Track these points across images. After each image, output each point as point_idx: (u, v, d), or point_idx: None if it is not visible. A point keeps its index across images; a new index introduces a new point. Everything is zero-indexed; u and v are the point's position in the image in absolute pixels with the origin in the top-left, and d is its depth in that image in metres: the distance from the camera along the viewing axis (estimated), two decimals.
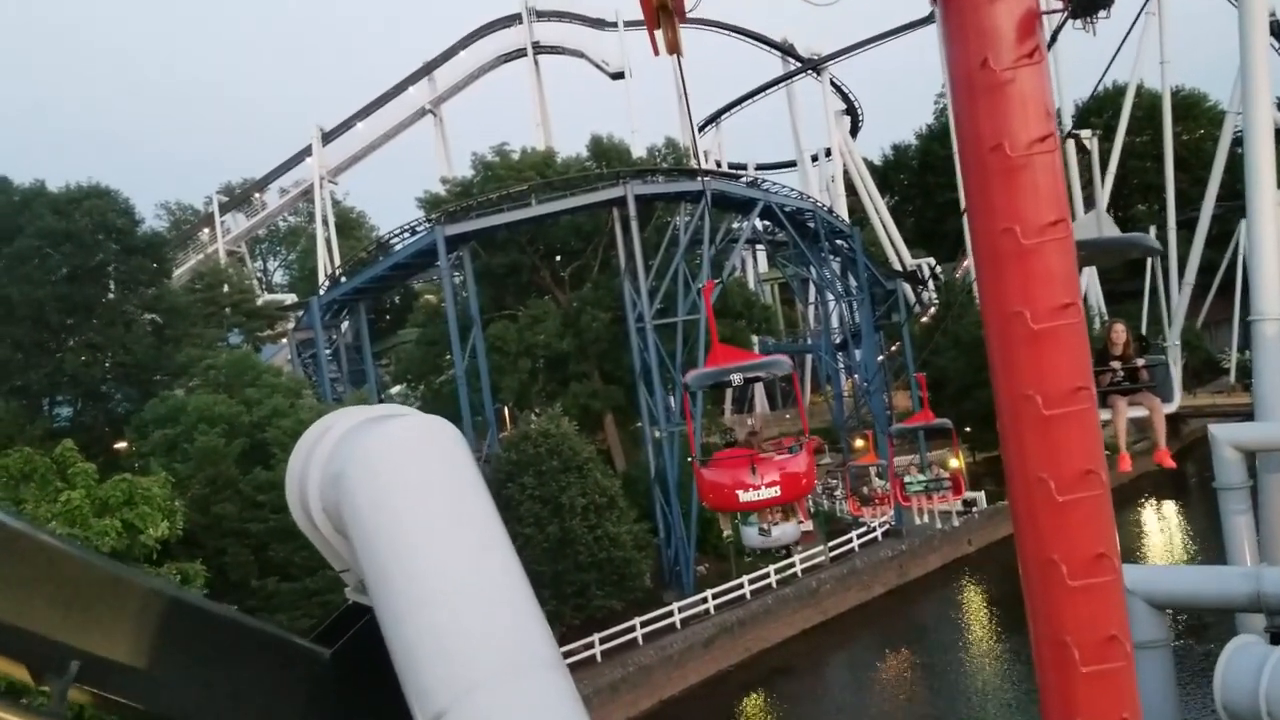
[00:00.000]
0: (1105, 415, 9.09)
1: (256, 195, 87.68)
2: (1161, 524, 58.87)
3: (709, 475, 13.10)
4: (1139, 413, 9.54)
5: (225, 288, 66.16)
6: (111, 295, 44.06)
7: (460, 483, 2.51)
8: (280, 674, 2.65)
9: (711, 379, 13.29)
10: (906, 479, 23.98)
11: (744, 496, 12.41)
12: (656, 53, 7.02)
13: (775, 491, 12.40)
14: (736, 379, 12.98)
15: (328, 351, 53.95)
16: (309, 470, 2.69)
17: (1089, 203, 75.54)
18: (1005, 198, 4.56)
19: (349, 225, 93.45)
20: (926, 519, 24.36)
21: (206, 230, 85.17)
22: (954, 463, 46.33)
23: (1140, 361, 9.66)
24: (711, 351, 13.96)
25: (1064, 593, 4.64)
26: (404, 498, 2.44)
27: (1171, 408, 9.99)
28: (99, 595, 2.21)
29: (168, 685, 2.35)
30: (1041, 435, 4.60)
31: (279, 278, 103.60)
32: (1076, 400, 4.53)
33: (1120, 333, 9.79)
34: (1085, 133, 77.65)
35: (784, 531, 14.96)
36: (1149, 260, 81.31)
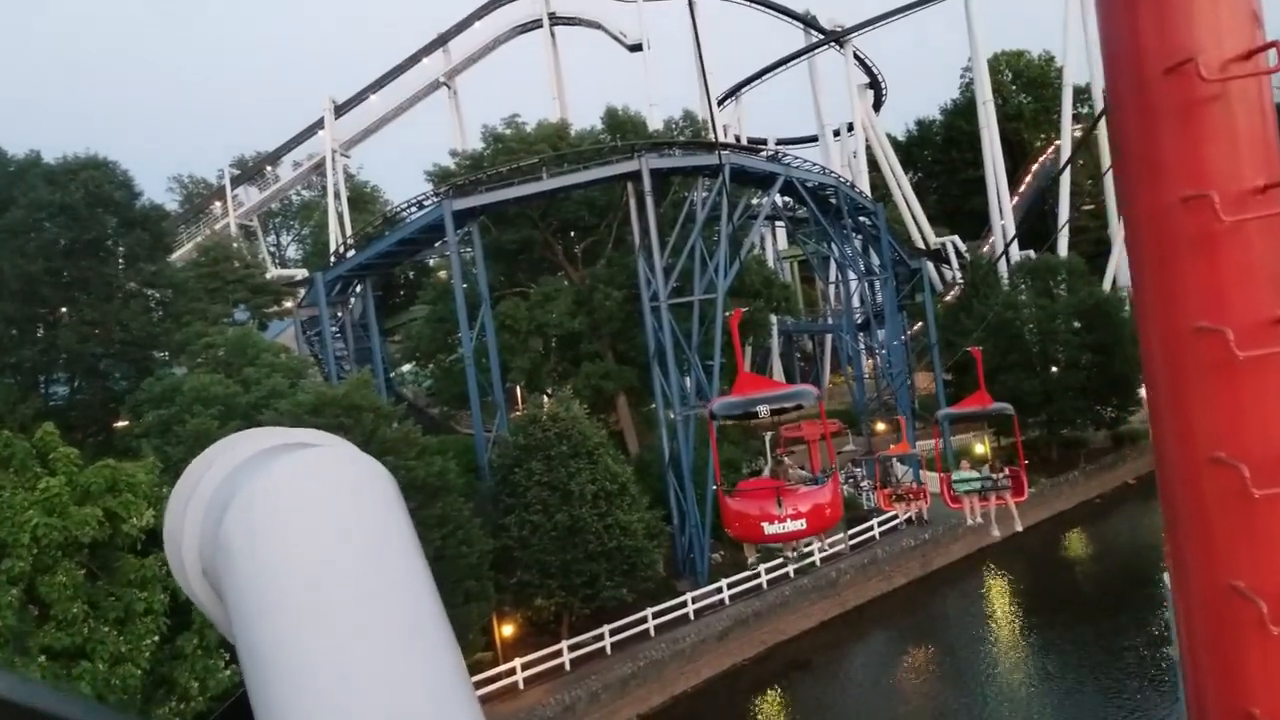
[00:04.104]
0: None
1: (269, 168, 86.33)
2: None
3: (735, 505, 13.15)
4: None
5: (235, 263, 64.73)
6: (109, 269, 42.63)
7: (380, 544, 1.53)
8: None
9: (739, 408, 13.38)
10: (956, 476, 20.44)
11: (769, 529, 12.41)
12: None
13: (801, 524, 12.39)
14: (763, 410, 13.01)
15: (334, 329, 52.60)
16: (186, 517, 1.75)
17: None
18: (1187, 148, 2.87)
19: (363, 199, 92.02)
20: (980, 519, 20.65)
21: (218, 204, 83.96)
22: (980, 448, 44.62)
23: None
24: (738, 379, 14.08)
25: None
26: (297, 564, 1.51)
27: None
28: None
29: None
30: (1243, 525, 2.91)
31: (292, 252, 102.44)
32: None
33: None
34: None
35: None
36: None
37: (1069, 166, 77.71)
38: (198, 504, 1.74)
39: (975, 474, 20.22)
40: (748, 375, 14.34)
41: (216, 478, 1.75)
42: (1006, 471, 20.18)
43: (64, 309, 42.25)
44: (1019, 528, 20.80)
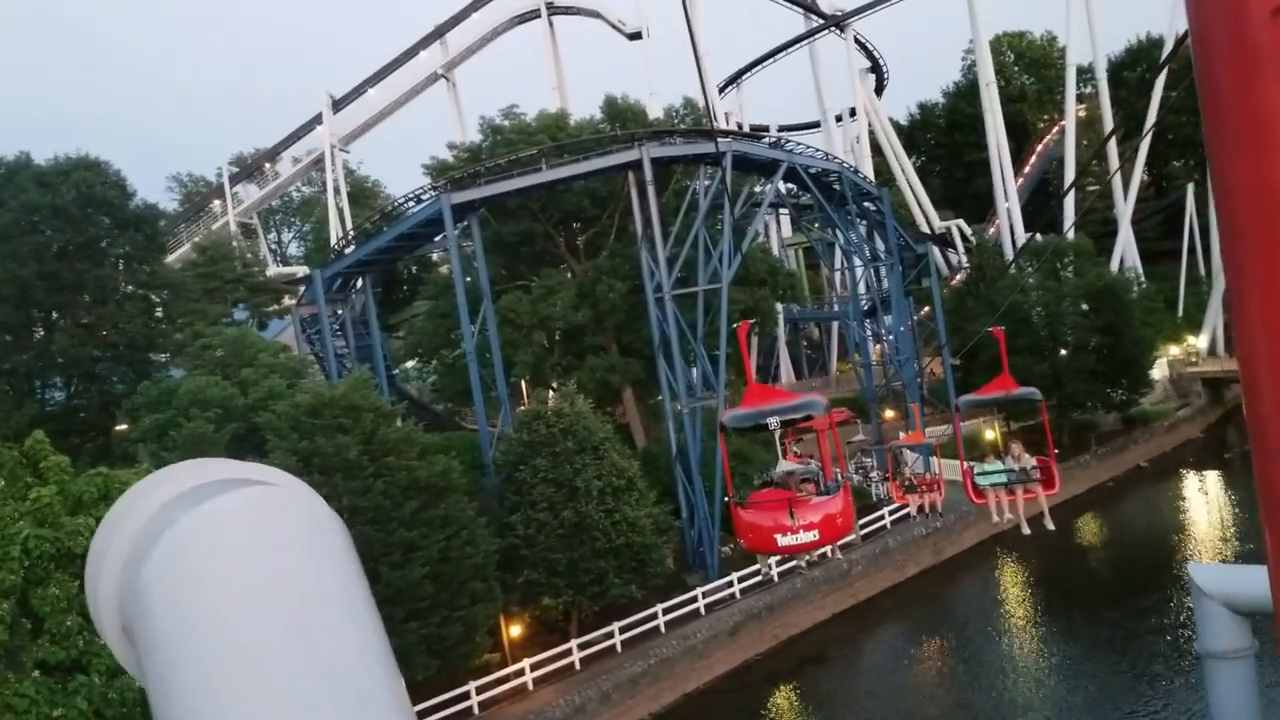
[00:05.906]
0: None
1: (268, 165, 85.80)
2: (1205, 499, 56.29)
3: (747, 517, 13.29)
4: None
5: (234, 262, 64.25)
6: (104, 272, 42.12)
7: (319, 599, 1.42)
8: None
9: (750, 420, 13.53)
10: (979, 469, 18.47)
11: (782, 540, 12.61)
12: None
13: (813, 535, 12.48)
14: (773, 422, 13.02)
15: (335, 326, 52.07)
16: (105, 560, 1.59)
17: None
18: None
19: (363, 195, 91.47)
20: (1008, 516, 18.33)
21: (218, 202, 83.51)
22: (989, 434, 43.91)
23: None
24: (747, 391, 14.19)
25: None
26: (218, 623, 1.38)
27: None
28: None
29: None
30: None
31: (294, 249, 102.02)
32: None
33: None
34: None
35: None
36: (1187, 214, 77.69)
37: (1074, 145, 76.85)
38: (120, 546, 1.57)
39: (1000, 465, 18.55)
40: (757, 386, 14.36)
41: (142, 516, 1.58)
42: (1035, 462, 18.12)
43: (59, 313, 41.78)
44: (1050, 525, 18.54)
